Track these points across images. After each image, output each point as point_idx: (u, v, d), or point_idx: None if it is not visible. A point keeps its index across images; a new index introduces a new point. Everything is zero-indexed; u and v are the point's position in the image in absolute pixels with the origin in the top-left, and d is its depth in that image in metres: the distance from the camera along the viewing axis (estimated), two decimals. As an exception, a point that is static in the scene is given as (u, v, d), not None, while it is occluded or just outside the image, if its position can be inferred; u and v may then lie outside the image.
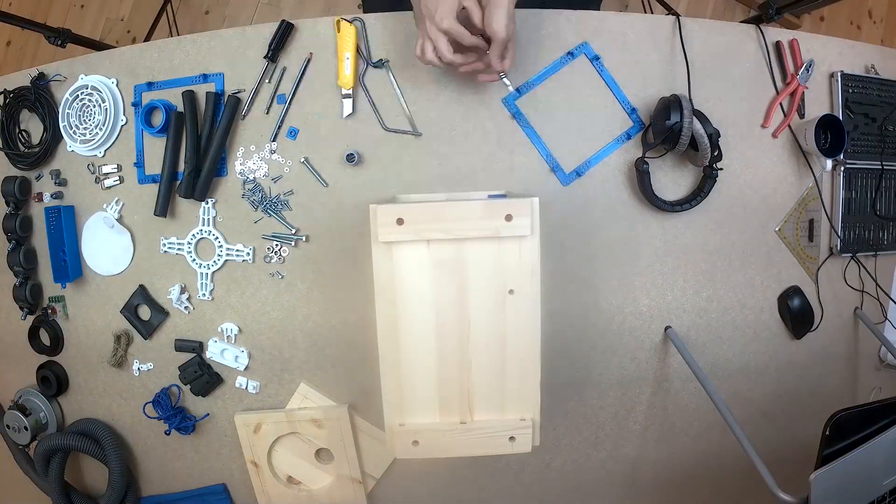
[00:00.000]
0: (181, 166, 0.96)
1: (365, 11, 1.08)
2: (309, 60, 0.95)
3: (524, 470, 1.07)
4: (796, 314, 1.05)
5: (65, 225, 1.00)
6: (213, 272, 0.99)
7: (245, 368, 1.01)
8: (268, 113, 0.96)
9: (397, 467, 1.05)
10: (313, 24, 0.95)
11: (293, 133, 0.96)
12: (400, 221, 0.70)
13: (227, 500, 1.08)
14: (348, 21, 0.93)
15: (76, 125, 0.99)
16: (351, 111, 0.95)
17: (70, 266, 1.01)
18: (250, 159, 0.97)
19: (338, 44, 0.93)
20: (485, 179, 0.97)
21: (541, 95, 0.97)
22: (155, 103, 0.96)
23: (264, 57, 0.94)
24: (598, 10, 1.06)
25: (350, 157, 0.93)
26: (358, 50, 0.94)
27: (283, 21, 0.94)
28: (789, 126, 1.02)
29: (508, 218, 0.70)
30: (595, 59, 0.96)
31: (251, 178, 0.97)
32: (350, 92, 0.94)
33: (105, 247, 1.01)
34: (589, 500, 1.10)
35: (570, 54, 0.96)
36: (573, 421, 1.05)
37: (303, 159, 0.97)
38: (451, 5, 0.73)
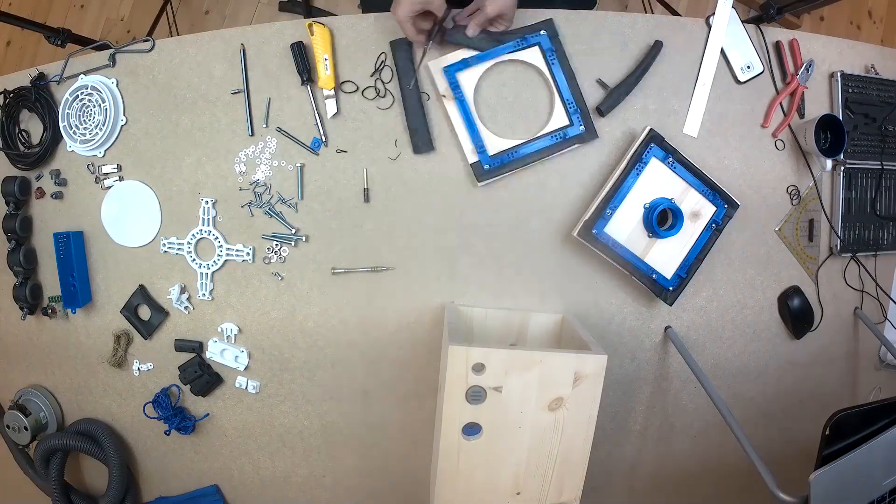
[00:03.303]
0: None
1: (364, 11, 1.08)
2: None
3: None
4: (796, 314, 1.05)
5: (74, 251, 1.00)
6: (213, 272, 0.99)
7: (245, 368, 1.01)
8: (268, 113, 0.96)
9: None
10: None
11: (316, 144, 0.96)
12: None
13: (219, 500, 1.08)
14: (321, 24, 0.93)
15: (76, 125, 0.99)
16: (336, 111, 0.95)
17: (80, 292, 1.01)
18: (250, 159, 0.97)
19: (313, 47, 0.94)
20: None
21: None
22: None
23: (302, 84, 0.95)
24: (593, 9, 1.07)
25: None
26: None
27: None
28: (789, 126, 1.02)
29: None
30: (550, 50, 0.93)
31: (251, 178, 0.97)
32: (332, 93, 0.94)
33: (131, 216, 1.00)
34: (589, 500, 1.10)
35: (524, 39, 0.94)
36: (573, 421, 1.04)
37: (302, 159, 0.97)
38: None
